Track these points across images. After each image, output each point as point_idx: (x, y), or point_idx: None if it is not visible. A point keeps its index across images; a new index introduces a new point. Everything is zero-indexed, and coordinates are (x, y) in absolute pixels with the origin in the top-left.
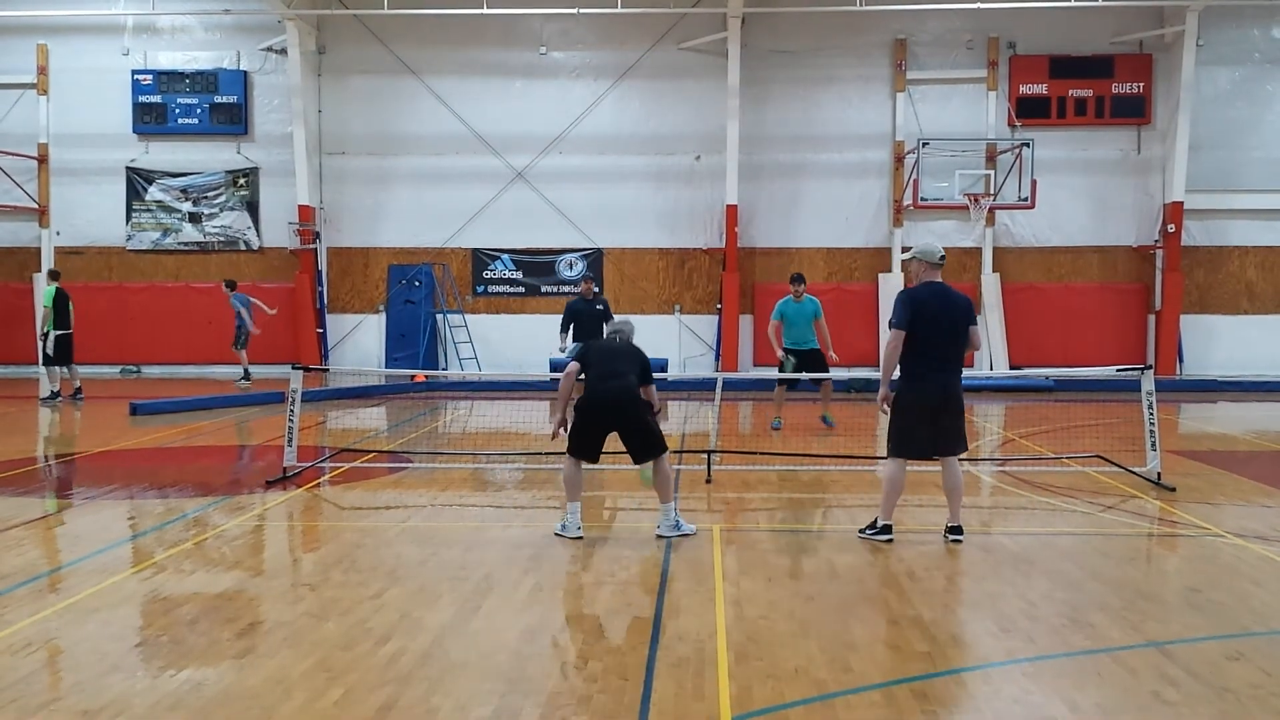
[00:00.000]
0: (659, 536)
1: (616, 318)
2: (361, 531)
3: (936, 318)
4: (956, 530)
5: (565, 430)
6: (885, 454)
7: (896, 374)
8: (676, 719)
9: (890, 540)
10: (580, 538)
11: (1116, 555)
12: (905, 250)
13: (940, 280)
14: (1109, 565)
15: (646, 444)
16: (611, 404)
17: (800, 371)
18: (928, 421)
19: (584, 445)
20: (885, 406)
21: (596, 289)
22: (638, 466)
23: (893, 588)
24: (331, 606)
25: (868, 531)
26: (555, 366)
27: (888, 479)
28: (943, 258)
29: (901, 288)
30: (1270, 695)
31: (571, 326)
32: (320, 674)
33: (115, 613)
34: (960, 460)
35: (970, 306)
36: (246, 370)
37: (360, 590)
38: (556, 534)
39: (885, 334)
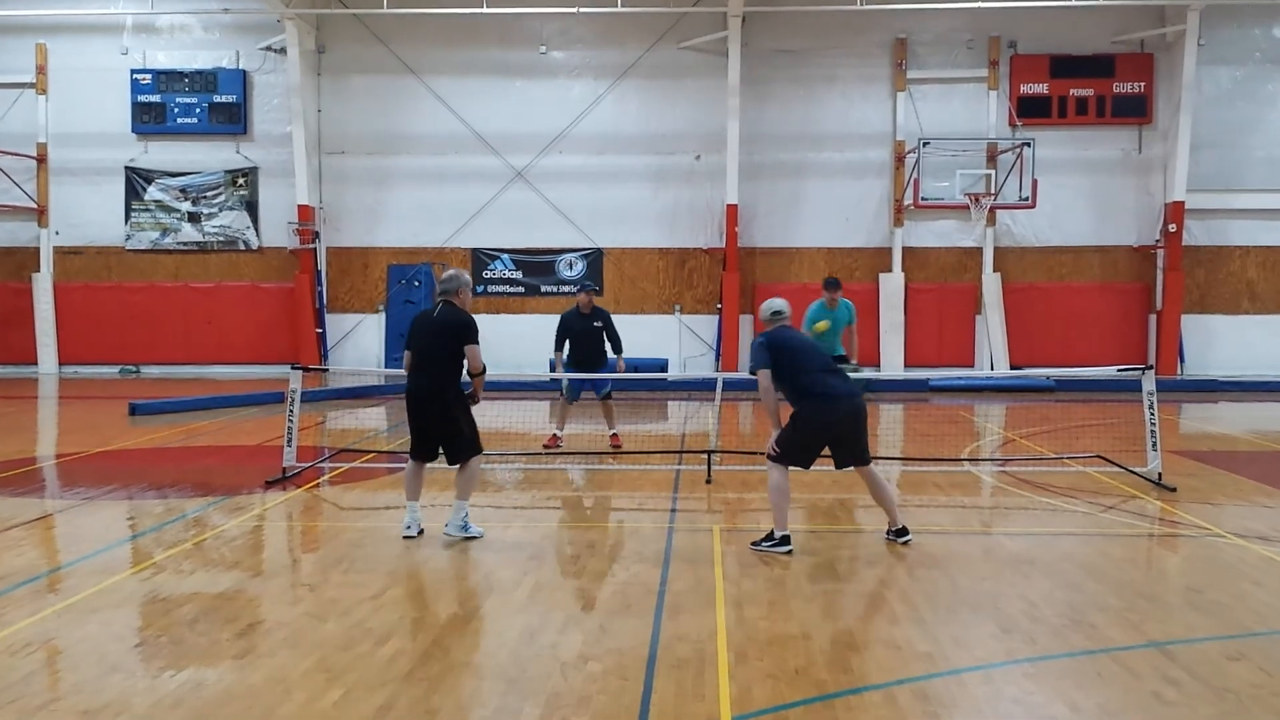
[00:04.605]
0: (446, 535)
1: (450, 271)
2: (361, 532)
3: (803, 348)
4: (901, 533)
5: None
6: (770, 458)
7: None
8: (676, 719)
9: (789, 551)
10: (417, 535)
11: (1117, 555)
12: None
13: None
14: (1110, 565)
15: (454, 445)
16: (415, 397)
17: None
18: (830, 438)
19: (415, 443)
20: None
21: (598, 294)
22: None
23: (893, 587)
24: (331, 607)
25: (764, 544)
26: (555, 367)
27: (777, 488)
28: (776, 313)
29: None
30: (1271, 695)
31: (566, 344)
32: (320, 674)
33: (115, 613)
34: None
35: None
36: None
37: (360, 590)
38: (405, 536)
39: (885, 335)
